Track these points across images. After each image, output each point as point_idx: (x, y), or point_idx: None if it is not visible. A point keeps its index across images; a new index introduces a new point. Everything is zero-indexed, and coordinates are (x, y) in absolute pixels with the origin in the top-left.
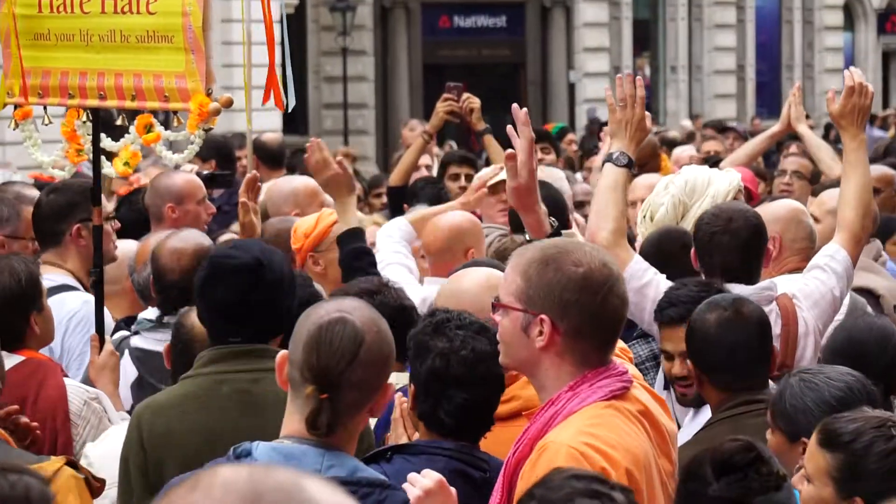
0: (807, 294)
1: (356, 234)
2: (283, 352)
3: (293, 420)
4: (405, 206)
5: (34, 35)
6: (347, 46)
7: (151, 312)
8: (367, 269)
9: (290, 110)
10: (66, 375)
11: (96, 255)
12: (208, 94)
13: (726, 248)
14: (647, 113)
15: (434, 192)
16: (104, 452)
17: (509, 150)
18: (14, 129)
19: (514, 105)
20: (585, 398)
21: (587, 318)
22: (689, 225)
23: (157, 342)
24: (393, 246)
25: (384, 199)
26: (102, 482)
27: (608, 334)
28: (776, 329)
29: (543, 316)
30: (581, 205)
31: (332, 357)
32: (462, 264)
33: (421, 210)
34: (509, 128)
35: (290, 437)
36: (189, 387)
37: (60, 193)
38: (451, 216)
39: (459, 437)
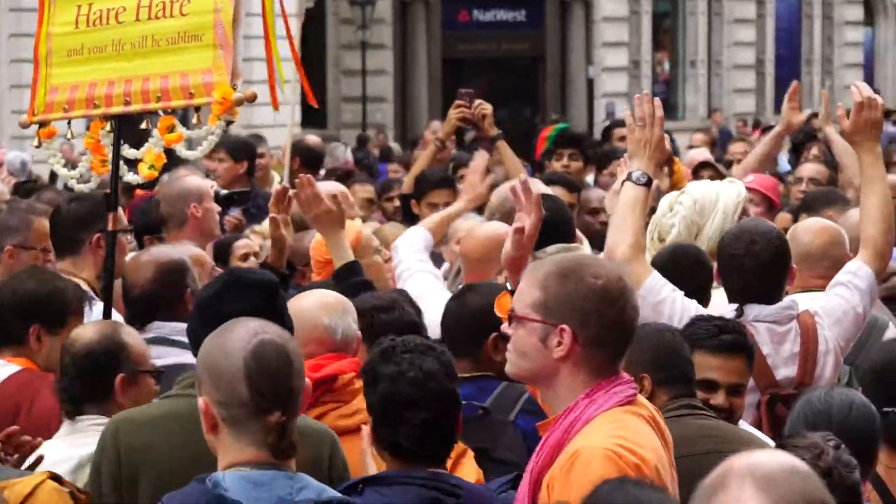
0: (829, 311)
1: (353, 268)
2: (201, 399)
3: (244, 451)
4: (412, 202)
5: (68, 52)
6: (367, 40)
7: None
8: None
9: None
10: None
11: (108, 260)
12: (233, 88)
13: (747, 270)
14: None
15: (442, 176)
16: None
17: (517, 224)
18: (38, 147)
19: (524, 177)
20: (602, 404)
21: (606, 328)
22: (703, 243)
23: None
24: (415, 255)
25: (396, 202)
26: (88, 494)
27: (622, 345)
28: (794, 348)
29: (564, 326)
30: (595, 211)
31: (279, 376)
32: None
33: (434, 216)
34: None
35: (247, 465)
36: (172, 406)
37: (83, 203)
38: (488, 226)
39: (427, 462)
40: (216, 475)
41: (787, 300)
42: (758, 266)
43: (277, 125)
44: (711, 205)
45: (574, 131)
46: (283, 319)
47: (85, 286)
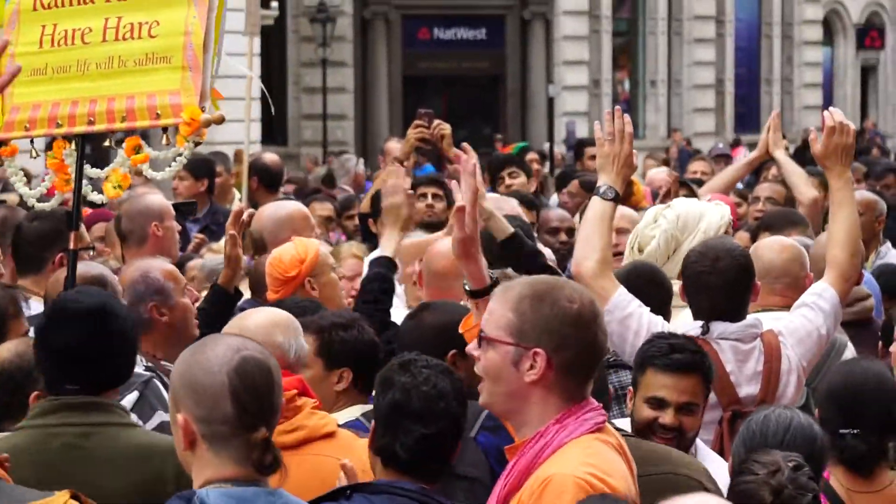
0: (792, 331)
1: (385, 261)
2: (180, 415)
3: (224, 467)
4: (370, 221)
5: (31, 71)
6: (327, 57)
7: None
8: (379, 294)
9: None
10: None
11: (69, 279)
12: (201, 109)
13: (713, 288)
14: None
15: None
16: None
17: (458, 203)
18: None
19: (461, 154)
20: (573, 431)
21: (579, 353)
22: (679, 259)
23: None
24: None
25: (357, 220)
26: None
27: (592, 369)
28: (758, 366)
29: (538, 350)
30: (555, 231)
31: (263, 392)
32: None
33: (411, 238)
34: (453, 183)
35: (227, 481)
36: (20, 438)
37: (45, 221)
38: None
39: (416, 477)
40: (200, 492)
41: (751, 318)
42: (724, 283)
43: (237, 143)
44: (694, 223)
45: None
46: (114, 344)
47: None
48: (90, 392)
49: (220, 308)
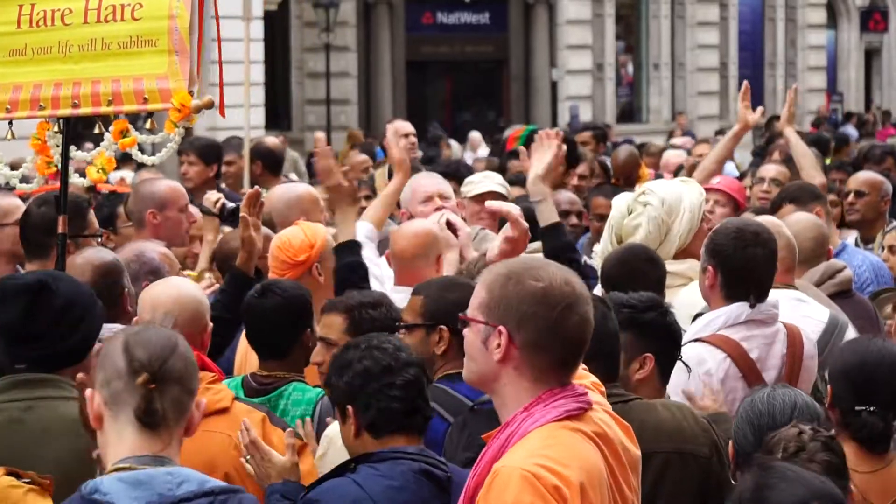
0: (807, 316)
1: (353, 246)
2: (89, 391)
3: (122, 435)
4: None
5: (10, 52)
6: (330, 42)
7: None
8: (359, 283)
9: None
10: None
11: (59, 263)
12: (190, 94)
13: (762, 261)
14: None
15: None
16: None
17: (507, 234)
18: None
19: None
20: (538, 419)
21: (543, 332)
22: (673, 242)
23: None
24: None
25: (361, 202)
26: (50, 479)
27: (566, 352)
28: (783, 349)
29: (501, 328)
30: (566, 214)
31: (155, 348)
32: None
33: (374, 202)
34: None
35: (126, 460)
36: None
37: (52, 207)
38: (416, 224)
39: (408, 433)
40: (96, 481)
41: (770, 298)
42: (769, 256)
43: (238, 128)
44: (678, 203)
45: None
46: (54, 322)
47: None
48: (40, 371)
49: (238, 291)
